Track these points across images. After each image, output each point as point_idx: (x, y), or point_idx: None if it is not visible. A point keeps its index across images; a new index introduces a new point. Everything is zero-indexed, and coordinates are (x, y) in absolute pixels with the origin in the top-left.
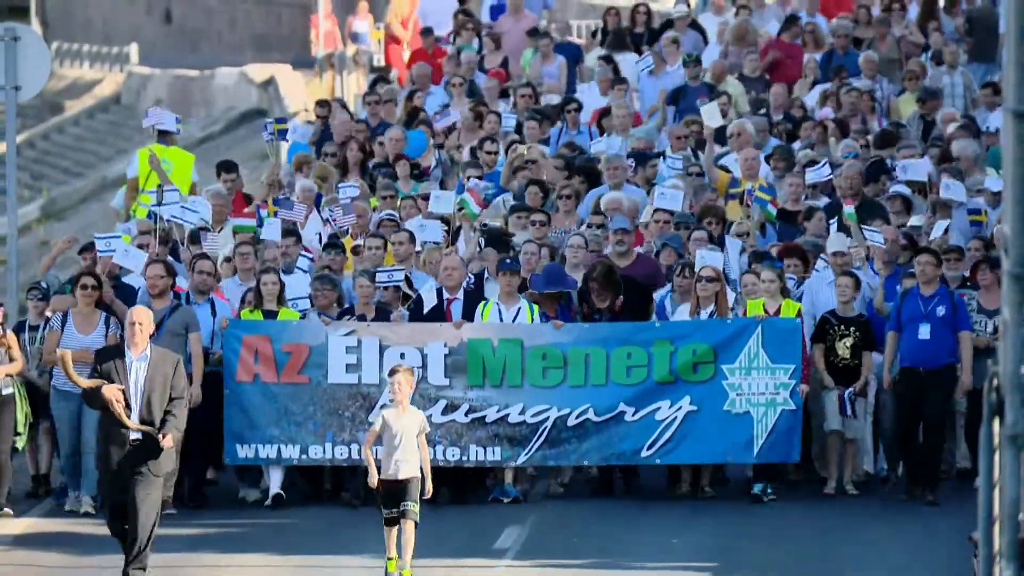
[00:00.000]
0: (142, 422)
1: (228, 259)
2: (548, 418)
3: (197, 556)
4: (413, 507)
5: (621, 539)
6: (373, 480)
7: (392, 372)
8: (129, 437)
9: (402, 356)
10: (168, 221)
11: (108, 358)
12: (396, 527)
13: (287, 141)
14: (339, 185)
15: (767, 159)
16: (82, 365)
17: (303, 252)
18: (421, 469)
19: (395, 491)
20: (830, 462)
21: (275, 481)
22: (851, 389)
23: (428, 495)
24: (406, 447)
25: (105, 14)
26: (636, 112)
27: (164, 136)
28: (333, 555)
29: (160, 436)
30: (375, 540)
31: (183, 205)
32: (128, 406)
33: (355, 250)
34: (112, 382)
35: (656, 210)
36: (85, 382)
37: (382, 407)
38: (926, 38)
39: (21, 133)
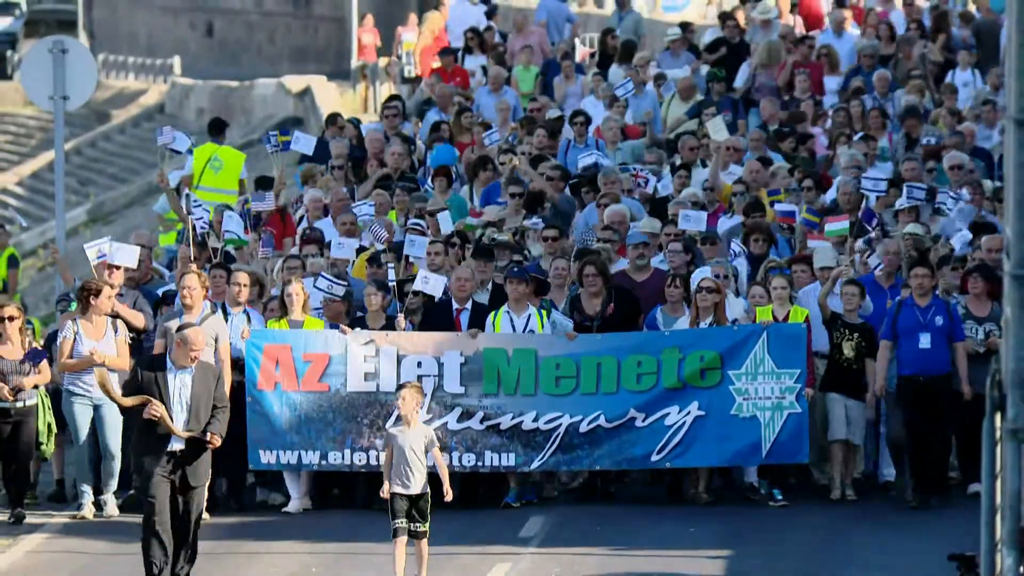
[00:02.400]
0: (189, 432)
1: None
2: (561, 425)
3: (239, 544)
4: (424, 526)
5: (641, 528)
6: (385, 492)
7: (399, 388)
8: (165, 448)
9: (419, 365)
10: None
11: (148, 369)
12: (404, 540)
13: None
14: (353, 206)
15: (791, 172)
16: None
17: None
18: (438, 477)
19: (405, 504)
20: (834, 468)
21: (297, 493)
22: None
23: (448, 497)
24: (414, 461)
25: (149, 28)
26: (627, 125)
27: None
28: (375, 543)
29: (209, 435)
30: None
31: (204, 208)
32: (170, 417)
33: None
34: (151, 394)
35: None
36: (128, 401)
37: (390, 425)
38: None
39: (69, 141)
